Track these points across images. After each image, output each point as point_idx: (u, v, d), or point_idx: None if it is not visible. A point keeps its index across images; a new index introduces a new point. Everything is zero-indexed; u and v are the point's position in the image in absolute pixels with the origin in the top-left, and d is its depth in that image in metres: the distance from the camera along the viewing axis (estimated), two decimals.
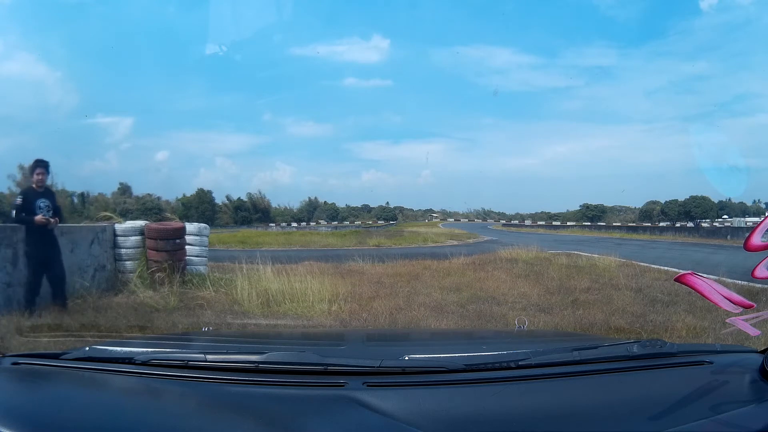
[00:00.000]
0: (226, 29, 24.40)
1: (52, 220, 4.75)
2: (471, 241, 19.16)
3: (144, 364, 1.05)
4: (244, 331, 3.49)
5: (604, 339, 1.91)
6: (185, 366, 1.03)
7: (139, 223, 6.77)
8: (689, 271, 1.10)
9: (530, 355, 1.06)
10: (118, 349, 1.12)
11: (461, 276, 7.45)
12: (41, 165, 4.83)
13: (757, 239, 1.04)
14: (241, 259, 6.89)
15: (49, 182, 4.97)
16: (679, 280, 1.11)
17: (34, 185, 4.82)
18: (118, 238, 6.51)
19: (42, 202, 4.72)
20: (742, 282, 5.40)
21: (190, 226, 7.10)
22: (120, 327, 4.21)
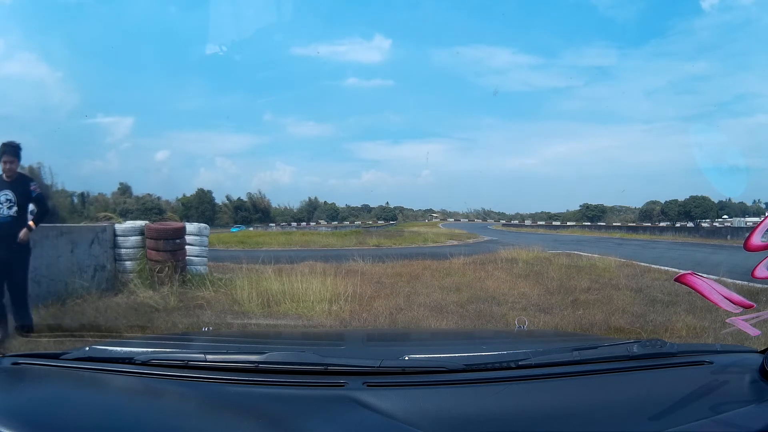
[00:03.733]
0: (226, 29, 24.45)
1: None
2: (471, 241, 19.16)
3: (144, 364, 1.05)
4: (244, 331, 3.49)
5: (604, 339, 1.91)
6: (185, 366, 1.03)
7: (139, 223, 6.78)
8: (689, 271, 1.10)
9: (530, 355, 1.06)
10: (118, 349, 1.12)
11: (461, 276, 7.44)
12: (8, 151, 3.95)
13: (757, 239, 1.04)
14: (241, 259, 6.88)
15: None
16: (679, 280, 1.11)
17: (3, 175, 3.95)
18: (118, 238, 6.51)
19: (3, 195, 3.89)
20: (742, 282, 5.40)
21: (190, 226, 7.10)
22: (120, 327, 4.21)
